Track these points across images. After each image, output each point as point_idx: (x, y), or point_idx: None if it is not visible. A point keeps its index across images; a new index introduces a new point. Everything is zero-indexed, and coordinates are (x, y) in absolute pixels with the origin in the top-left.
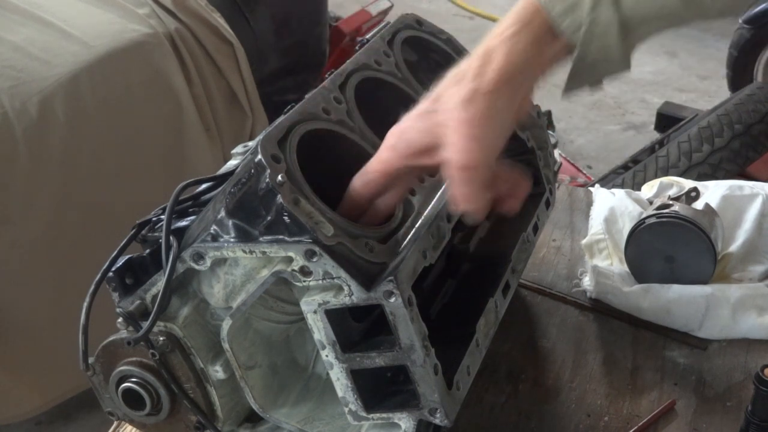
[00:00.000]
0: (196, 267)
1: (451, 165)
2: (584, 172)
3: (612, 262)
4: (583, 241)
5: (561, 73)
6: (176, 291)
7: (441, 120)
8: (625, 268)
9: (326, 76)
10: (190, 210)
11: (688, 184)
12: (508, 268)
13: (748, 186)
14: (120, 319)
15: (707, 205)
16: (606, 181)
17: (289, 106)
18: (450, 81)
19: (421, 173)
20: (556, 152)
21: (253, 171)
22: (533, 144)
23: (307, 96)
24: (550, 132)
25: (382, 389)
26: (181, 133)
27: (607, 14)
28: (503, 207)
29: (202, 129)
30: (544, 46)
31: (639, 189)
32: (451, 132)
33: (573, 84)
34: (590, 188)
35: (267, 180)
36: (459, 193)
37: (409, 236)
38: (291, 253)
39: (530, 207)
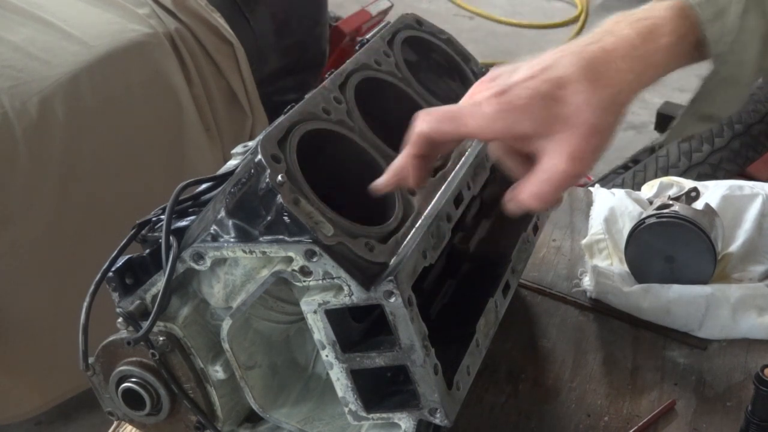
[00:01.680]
0: (196, 267)
1: (556, 167)
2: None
3: (612, 262)
4: (583, 241)
5: None
6: (176, 291)
7: (567, 116)
8: (625, 268)
9: (326, 76)
10: (190, 210)
11: (688, 184)
12: (508, 268)
13: (748, 186)
14: (120, 319)
15: (707, 205)
16: (606, 181)
17: (289, 106)
18: (583, 72)
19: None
20: None
21: (253, 171)
22: None
23: (307, 96)
24: None
25: (382, 389)
26: (181, 133)
27: (754, 22)
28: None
29: (202, 129)
30: (688, 55)
31: (639, 189)
32: (571, 132)
33: (692, 116)
34: (590, 188)
35: (267, 180)
36: (541, 191)
37: (409, 236)
38: (291, 253)
39: None
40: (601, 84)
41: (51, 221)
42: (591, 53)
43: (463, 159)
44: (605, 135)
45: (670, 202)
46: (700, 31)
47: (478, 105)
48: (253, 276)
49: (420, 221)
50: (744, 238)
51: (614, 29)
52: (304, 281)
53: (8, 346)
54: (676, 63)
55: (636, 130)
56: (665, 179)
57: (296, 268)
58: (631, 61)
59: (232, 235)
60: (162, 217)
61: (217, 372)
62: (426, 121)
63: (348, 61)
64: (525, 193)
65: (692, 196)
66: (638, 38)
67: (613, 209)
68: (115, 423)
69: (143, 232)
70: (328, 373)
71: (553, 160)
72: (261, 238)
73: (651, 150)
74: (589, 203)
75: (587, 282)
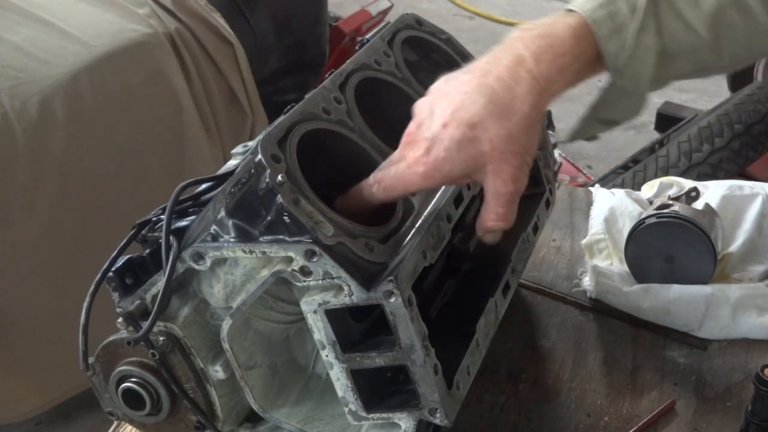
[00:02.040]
0: (196, 267)
1: (499, 193)
2: (584, 172)
3: (612, 262)
4: (583, 241)
5: None
6: (176, 291)
7: (486, 152)
8: (625, 268)
9: (326, 76)
10: (190, 210)
11: (688, 184)
12: (508, 268)
13: (748, 186)
14: (120, 319)
15: (707, 205)
16: (606, 181)
17: (289, 106)
18: (487, 106)
19: None
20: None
21: (253, 171)
22: None
23: (307, 96)
24: (550, 132)
25: (382, 389)
26: (181, 133)
27: (650, 41)
28: None
29: (202, 129)
30: (587, 70)
31: (639, 189)
32: (500, 163)
33: (591, 121)
34: (590, 188)
35: (267, 180)
36: (499, 213)
37: (409, 236)
38: (291, 253)
39: (530, 207)
40: (505, 116)
41: (51, 221)
42: (489, 88)
43: None
44: (525, 152)
45: (670, 202)
46: (597, 46)
47: (412, 167)
48: (253, 276)
49: (420, 221)
50: (744, 238)
51: (513, 48)
52: (304, 281)
53: (8, 346)
54: (576, 79)
55: (636, 130)
56: (665, 179)
57: (296, 268)
58: (529, 84)
59: (232, 235)
60: (162, 217)
61: (217, 372)
62: (379, 191)
63: (348, 61)
64: (489, 220)
65: (692, 196)
66: (533, 61)
67: (613, 209)
68: (115, 423)
69: (143, 232)
70: (328, 373)
71: (495, 186)
72: (261, 238)
73: (651, 150)
74: (589, 203)
75: (587, 282)
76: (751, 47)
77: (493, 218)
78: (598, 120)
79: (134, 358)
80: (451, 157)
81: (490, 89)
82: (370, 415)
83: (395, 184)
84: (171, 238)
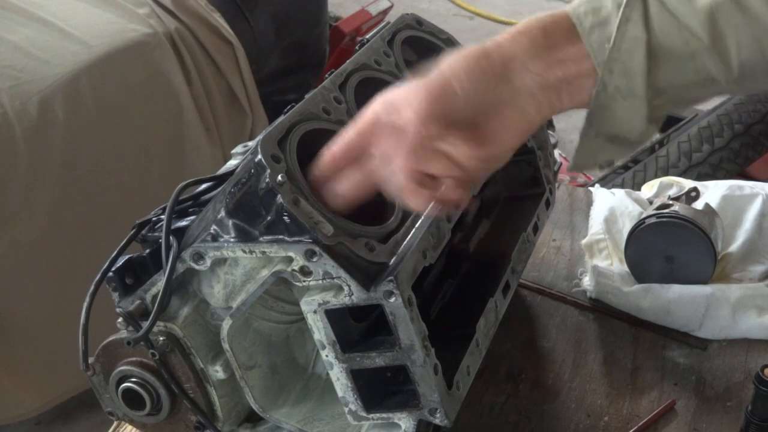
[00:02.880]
0: (196, 267)
1: (404, 127)
2: (584, 172)
3: (612, 262)
4: (583, 241)
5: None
6: (176, 291)
7: (394, 97)
8: (625, 268)
9: (326, 76)
10: (190, 210)
11: (688, 184)
12: (508, 268)
13: (748, 186)
14: (120, 319)
15: (707, 205)
16: (606, 181)
17: (289, 106)
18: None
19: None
20: (556, 152)
21: (253, 171)
22: (533, 144)
23: (307, 96)
24: (550, 132)
25: (382, 389)
26: (181, 133)
27: (635, 30)
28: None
29: (202, 129)
30: (558, 47)
31: (639, 189)
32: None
33: (589, 133)
34: (590, 188)
35: (267, 180)
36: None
37: (409, 236)
38: (291, 253)
39: (530, 207)
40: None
41: (51, 221)
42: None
43: None
44: (448, 88)
45: (670, 202)
46: (582, 38)
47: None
48: (253, 276)
49: (420, 221)
50: (744, 238)
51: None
52: (304, 281)
53: (8, 346)
54: (556, 73)
55: None
56: (665, 179)
57: (296, 268)
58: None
59: (232, 235)
60: (162, 217)
61: (217, 372)
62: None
63: (348, 61)
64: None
65: (692, 196)
66: (498, 41)
67: (613, 209)
68: (115, 423)
69: (143, 232)
70: (328, 373)
71: (403, 121)
72: (261, 238)
73: (651, 150)
74: (589, 203)
75: (587, 282)
76: (764, 54)
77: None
78: (603, 137)
79: (134, 358)
80: (376, 108)
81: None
82: (370, 415)
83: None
84: (171, 238)
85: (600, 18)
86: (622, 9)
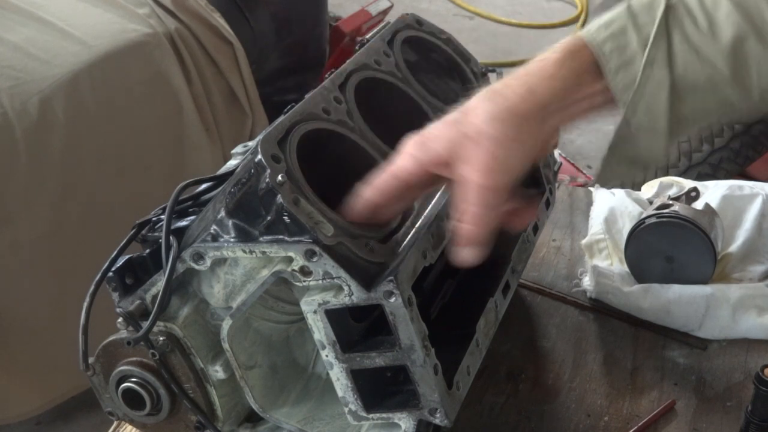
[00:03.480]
0: (196, 267)
1: (469, 182)
2: (584, 172)
3: (612, 262)
4: (583, 241)
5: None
6: (176, 291)
7: (468, 132)
8: (625, 268)
9: (326, 76)
10: (190, 210)
11: (688, 184)
12: (508, 268)
13: (748, 186)
14: (120, 319)
15: (707, 205)
16: None
17: (289, 106)
18: (483, 96)
19: (432, 185)
20: (556, 152)
21: (253, 171)
22: None
23: (307, 96)
24: None
25: (382, 389)
26: (181, 133)
27: (660, 73)
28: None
29: (202, 129)
30: (585, 84)
31: (639, 189)
32: (474, 147)
33: (611, 161)
34: (590, 188)
35: (267, 180)
36: (469, 213)
37: (409, 236)
38: (291, 253)
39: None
40: (497, 101)
41: (51, 221)
42: (498, 85)
43: None
44: (509, 145)
45: (670, 202)
46: (606, 78)
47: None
48: (253, 276)
49: (420, 221)
50: (744, 238)
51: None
52: (304, 281)
53: (8, 346)
54: (573, 80)
55: None
56: (665, 179)
57: (296, 268)
58: (523, 78)
59: (232, 235)
60: (162, 217)
61: (217, 372)
62: (368, 190)
63: (348, 61)
64: (463, 221)
65: (692, 196)
66: (532, 61)
67: (613, 209)
68: (115, 423)
69: (143, 232)
70: (328, 373)
71: (467, 175)
72: (261, 238)
73: None
74: (589, 203)
75: (587, 282)
76: None
77: (465, 218)
78: (620, 159)
79: (134, 358)
80: (438, 135)
81: (491, 86)
82: (370, 415)
83: (381, 176)
84: (171, 238)
85: (625, 58)
86: (648, 50)
